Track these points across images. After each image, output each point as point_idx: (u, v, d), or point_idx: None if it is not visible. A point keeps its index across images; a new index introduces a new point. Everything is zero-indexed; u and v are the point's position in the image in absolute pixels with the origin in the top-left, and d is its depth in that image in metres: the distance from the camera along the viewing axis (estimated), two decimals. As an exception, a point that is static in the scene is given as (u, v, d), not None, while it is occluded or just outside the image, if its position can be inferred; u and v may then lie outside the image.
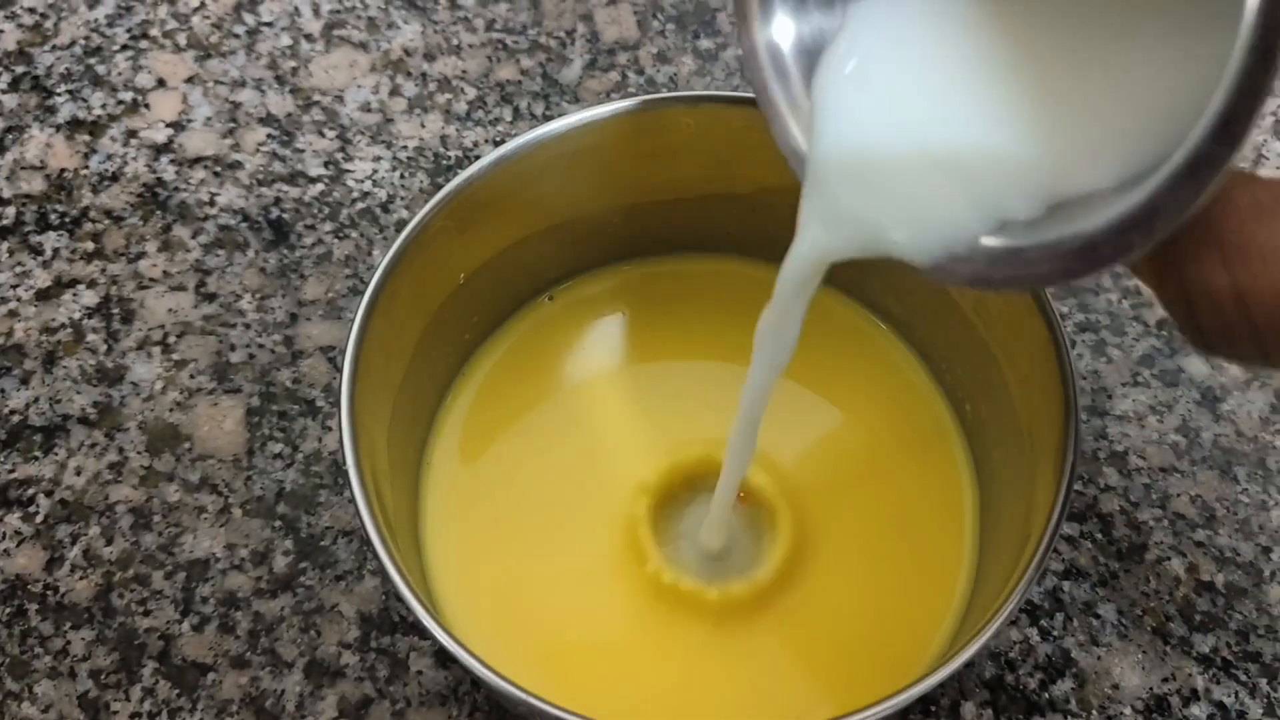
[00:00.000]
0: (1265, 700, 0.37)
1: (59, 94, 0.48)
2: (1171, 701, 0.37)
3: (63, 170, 0.46)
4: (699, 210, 0.40)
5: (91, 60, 0.49)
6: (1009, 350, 0.36)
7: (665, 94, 0.37)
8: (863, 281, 0.40)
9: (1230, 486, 0.40)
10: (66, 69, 0.49)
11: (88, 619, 0.38)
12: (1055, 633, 0.38)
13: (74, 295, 0.44)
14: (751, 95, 0.37)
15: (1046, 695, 0.37)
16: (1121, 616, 0.38)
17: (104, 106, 0.48)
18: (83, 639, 0.38)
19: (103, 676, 0.37)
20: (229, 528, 0.40)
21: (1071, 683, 0.37)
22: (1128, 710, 0.37)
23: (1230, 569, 0.39)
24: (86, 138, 0.47)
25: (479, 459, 0.39)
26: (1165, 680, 0.37)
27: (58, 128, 0.47)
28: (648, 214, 0.40)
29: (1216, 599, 0.39)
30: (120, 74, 0.49)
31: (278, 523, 0.40)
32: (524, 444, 0.39)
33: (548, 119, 0.47)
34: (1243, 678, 0.38)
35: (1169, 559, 0.39)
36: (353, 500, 0.30)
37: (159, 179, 0.46)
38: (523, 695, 0.29)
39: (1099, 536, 0.40)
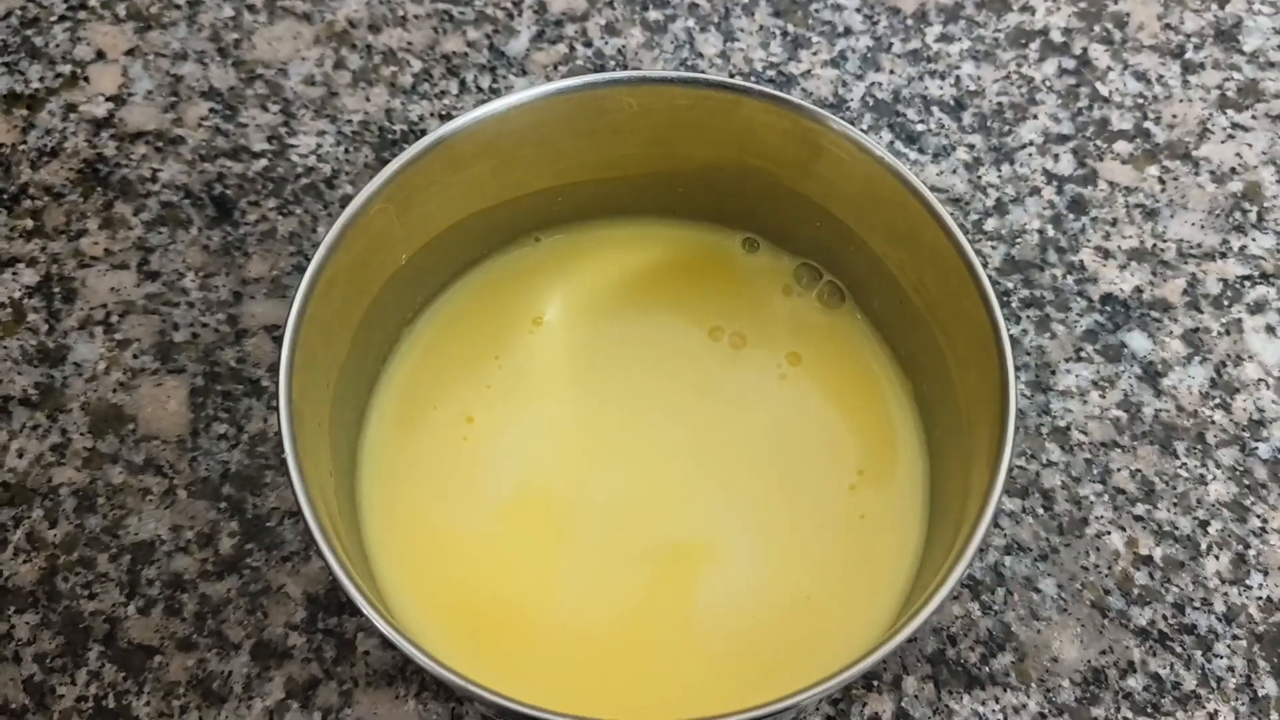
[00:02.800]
0: (1200, 672, 0.38)
1: (-4, 66, 0.47)
2: (1109, 674, 0.38)
3: (0, 145, 0.46)
4: (642, 186, 0.40)
5: (28, 31, 0.48)
6: (948, 331, 0.36)
7: (607, 74, 0.37)
8: (819, 247, 0.40)
9: (1170, 461, 0.41)
10: (3, 40, 0.48)
11: (32, 603, 0.38)
12: (996, 607, 0.39)
13: (14, 274, 0.43)
14: (692, 75, 0.37)
15: (987, 669, 0.38)
16: (1061, 590, 0.39)
17: (42, 79, 0.47)
18: (27, 623, 0.38)
19: (48, 660, 0.37)
20: (174, 509, 0.39)
21: (1012, 656, 0.38)
22: (1066, 683, 0.38)
23: (1168, 543, 0.40)
24: (24, 112, 0.46)
25: (416, 429, 0.39)
26: (1103, 653, 0.38)
27: (-5, 101, 0.47)
28: (591, 190, 0.40)
29: (1154, 572, 0.39)
30: (58, 46, 0.48)
31: (223, 504, 0.40)
32: (461, 412, 0.39)
33: (494, 92, 0.46)
34: (1178, 650, 0.38)
35: (1109, 533, 0.40)
36: (294, 495, 0.30)
37: (99, 154, 0.45)
38: (464, 683, 0.29)
39: (1040, 511, 0.40)
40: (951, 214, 0.43)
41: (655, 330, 0.41)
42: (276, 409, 0.32)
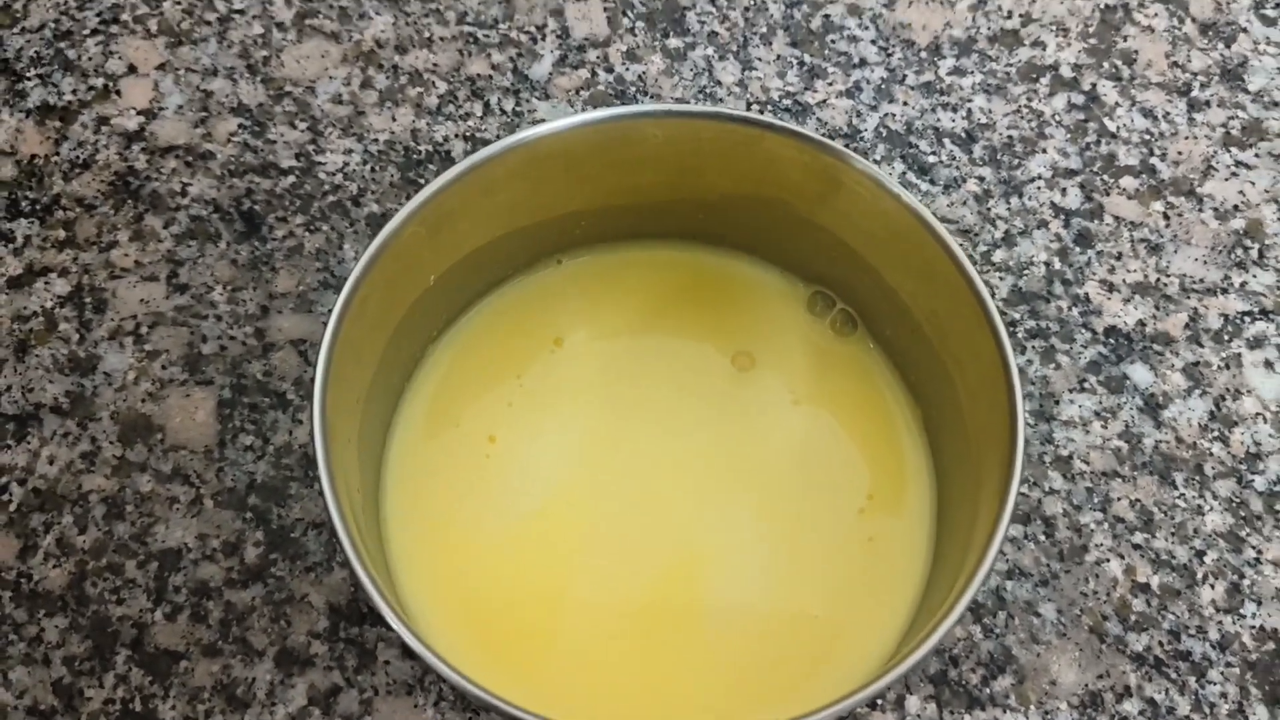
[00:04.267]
0: (1194, 697, 0.39)
1: (29, 78, 0.48)
2: (1105, 698, 0.39)
3: (33, 156, 0.47)
4: (663, 212, 0.41)
5: (62, 44, 0.49)
6: (959, 362, 0.37)
7: (635, 106, 0.38)
8: (833, 276, 0.42)
9: (1168, 491, 0.42)
10: (36, 53, 0.49)
11: (61, 607, 0.39)
12: (997, 630, 0.40)
13: (46, 284, 0.44)
14: (717, 109, 0.38)
15: (988, 690, 0.39)
16: (1061, 615, 0.40)
17: (74, 92, 0.48)
18: (56, 626, 0.39)
19: (76, 663, 0.38)
20: (201, 518, 0.41)
21: (1011, 679, 0.39)
22: (1064, 706, 0.39)
23: (1165, 571, 0.41)
24: (57, 124, 0.47)
25: (439, 445, 0.40)
26: (1100, 677, 0.39)
27: (28, 113, 0.48)
28: (614, 215, 0.41)
29: (1151, 600, 0.41)
30: (91, 59, 0.49)
31: (249, 514, 0.41)
32: (483, 430, 0.40)
33: (518, 115, 0.48)
34: (1173, 675, 0.39)
35: (1108, 561, 0.41)
36: (326, 510, 0.31)
37: (130, 167, 0.46)
38: (484, 695, 0.30)
39: (1042, 538, 0.41)
40: (962, 245, 0.44)
41: (672, 353, 0.42)
42: (305, 423, 0.33)
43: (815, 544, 0.39)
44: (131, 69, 0.49)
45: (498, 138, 0.43)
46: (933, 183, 0.47)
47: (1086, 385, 0.44)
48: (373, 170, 0.47)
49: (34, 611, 0.39)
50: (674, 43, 0.50)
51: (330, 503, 0.32)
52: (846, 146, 0.37)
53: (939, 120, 0.49)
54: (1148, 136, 0.49)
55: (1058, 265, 0.46)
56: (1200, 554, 0.41)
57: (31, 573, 0.40)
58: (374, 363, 0.38)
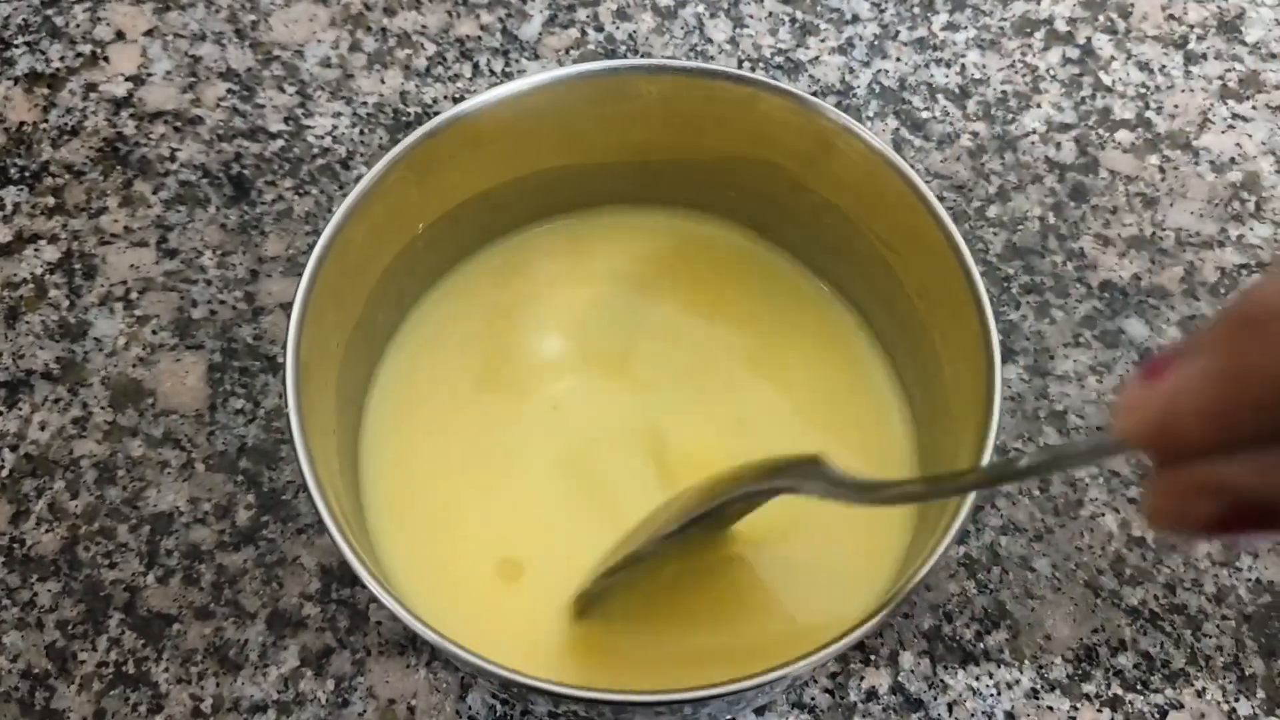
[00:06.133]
0: (1189, 650, 0.39)
1: (17, 45, 0.48)
2: (1100, 652, 0.39)
3: (22, 123, 0.46)
4: (656, 174, 0.41)
5: (49, 11, 0.49)
6: (944, 331, 0.36)
7: (629, 60, 0.38)
8: (825, 242, 0.41)
9: (1164, 445, 0.42)
10: (24, 20, 0.49)
11: (54, 571, 0.39)
12: (991, 586, 0.40)
13: (35, 250, 0.44)
14: (711, 67, 0.38)
15: (982, 645, 0.39)
16: (1055, 570, 0.40)
17: (62, 59, 0.48)
18: (49, 591, 0.39)
19: (70, 627, 0.38)
20: (192, 482, 0.41)
21: (1006, 633, 0.39)
22: (1058, 660, 0.39)
23: (1161, 525, 0.41)
24: (45, 90, 0.47)
25: (422, 397, 0.40)
26: (1095, 631, 0.39)
27: (16, 80, 0.47)
28: (607, 174, 0.41)
29: (1146, 554, 0.40)
30: (79, 25, 0.49)
31: (240, 477, 0.41)
32: (468, 384, 0.40)
33: (507, 76, 0.47)
34: (1168, 629, 0.39)
35: (1103, 515, 0.41)
36: (301, 474, 0.31)
37: (119, 133, 0.46)
38: (468, 656, 0.30)
39: (1036, 493, 0.41)
40: (955, 201, 0.44)
41: (660, 316, 0.42)
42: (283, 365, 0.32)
43: (803, 499, 0.39)
44: (119, 35, 0.48)
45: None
46: (926, 138, 0.47)
47: (1081, 340, 0.43)
48: (362, 133, 0.46)
49: (27, 576, 0.39)
50: (664, 0, 0.49)
51: (307, 471, 0.31)
52: (839, 103, 0.37)
53: (932, 76, 0.48)
54: (1143, 90, 0.49)
55: (1052, 220, 0.46)
56: (1196, 507, 0.41)
57: (24, 538, 0.40)
58: (357, 309, 0.37)
